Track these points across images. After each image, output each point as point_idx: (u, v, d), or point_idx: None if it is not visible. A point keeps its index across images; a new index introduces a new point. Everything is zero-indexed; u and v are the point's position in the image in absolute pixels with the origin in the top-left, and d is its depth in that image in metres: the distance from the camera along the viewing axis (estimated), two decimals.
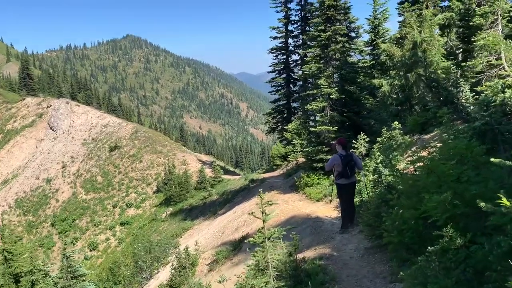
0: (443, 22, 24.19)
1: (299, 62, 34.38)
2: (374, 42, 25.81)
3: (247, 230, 16.03)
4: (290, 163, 28.40)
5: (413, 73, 21.21)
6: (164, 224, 36.00)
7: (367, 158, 14.34)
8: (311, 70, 17.32)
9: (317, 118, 17.11)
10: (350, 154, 9.88)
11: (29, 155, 54.44)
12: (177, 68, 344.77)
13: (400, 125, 14.16)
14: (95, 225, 42.17)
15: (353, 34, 21.53)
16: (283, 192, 19.37)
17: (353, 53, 19.33)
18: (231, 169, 56.87)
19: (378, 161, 10.80)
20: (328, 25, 16.75)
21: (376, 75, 25.65)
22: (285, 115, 34.62)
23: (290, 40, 35.44)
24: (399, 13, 29.84)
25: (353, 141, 15.55)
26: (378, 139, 14.65)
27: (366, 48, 26.57)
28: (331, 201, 11.78)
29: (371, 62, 26.23)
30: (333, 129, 16.56)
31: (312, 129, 17.24)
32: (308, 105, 17.09)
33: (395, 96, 24.52)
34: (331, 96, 16.54)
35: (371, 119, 18.74)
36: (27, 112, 61.75)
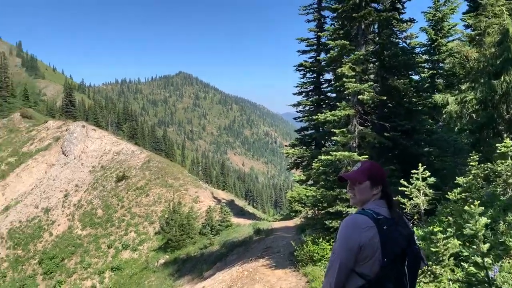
0: None
1: (333, 82, 26.91)
2: (435, 43, 18.02)
3: None
4: (311, 211, 20.51)
5: (502, 79, 13.21)
6: (153, 276, 28.68)
7: (429, 222, 6.43)
8: (329, 55, 9.92)
9: (336, 138, 9.40)
10: (405, 221, 2.41)
11: (37, 181, 49.93)
12: (224, 105, 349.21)
13: None
14: (83, 267, 35.55)
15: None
16: (276, 263, 11.51)
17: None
18: (251, 210, 49.14)
19: (480, 236, 2.85)
20: None
21: (437, 90, 17.76)
22: (312, 147, 26.83)
23: (323, 55, 28.12)
24: (464, 25, 22.02)
25: (403, 181, 7.69)
26: (460, 179, 6.67)
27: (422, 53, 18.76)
28: None
29: (430, 72, 18.36)
30: (362, 157, 8.77)
31: (324, 157, 9.49)
32: (318, 115, 9.50)
33: (468, 118, 16.46)
34: (361, 97, 8.89)
35: (433, 146, 10.73)
36: (46, 135, 58.09)
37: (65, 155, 51.73)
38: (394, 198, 2.61)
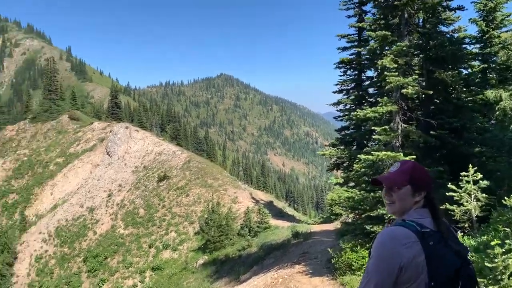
0: None
1: (375, 79, 25.72)
2: (487, 35, 16.64)
3: None
4: (351, 214, 19.65)
5: None
6: (191, 277, 28.79)
7: (482, 231, 5.67)
8: (369, 47, 9.26)
9: (377, 136, 8.73)
10: (455, 235, 1.91)
11: (82, 181, 51.87)
12: (264, 106, 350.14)
13: None
14: (125, 266, 36.39)
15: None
16: (312, 271, 10.95)
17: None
18: (291, 212, 48.41)
19: None
20: None
21: (489, 86, 16.44)
22: (353, 147, 25.80)
23: (364, 52, 27.01)
24: None
25: (451, 185, 6.94)
26: None
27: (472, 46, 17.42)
28: None
29: (481, 67, 16.99)
30: (407, 158, 8.00)
31: (364, 156, 8.83)
32: (357, 111, 8.86)
33: None
34: (404, 91, 8.16)
35: (486, 146, 9.74)
36: (91, 136, 60.37)
37: (109, 155, 53.49)
38: (440, 206, 2.07)
